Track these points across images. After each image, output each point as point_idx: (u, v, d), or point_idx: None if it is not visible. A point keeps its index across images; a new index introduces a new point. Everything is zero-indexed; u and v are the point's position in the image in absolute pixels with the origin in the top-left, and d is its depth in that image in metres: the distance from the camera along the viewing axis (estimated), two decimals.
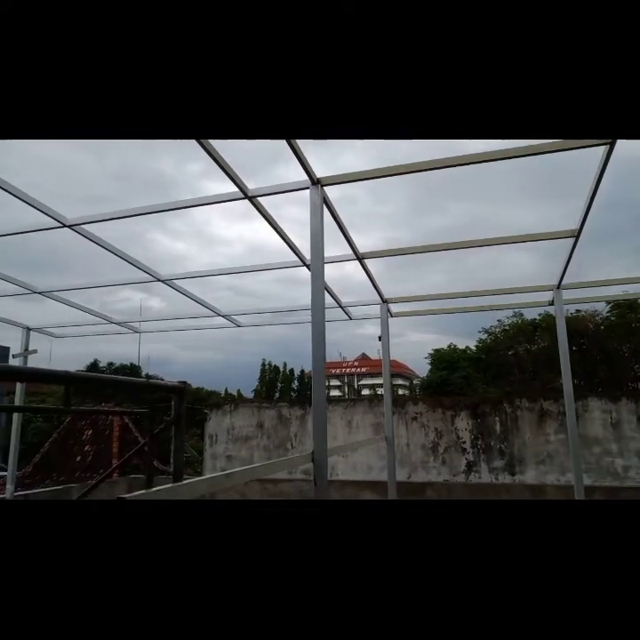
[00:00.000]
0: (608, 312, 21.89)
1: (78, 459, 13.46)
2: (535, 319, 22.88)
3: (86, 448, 13.73)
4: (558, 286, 4.75)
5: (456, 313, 6.15)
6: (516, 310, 22.58)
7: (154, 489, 1.60)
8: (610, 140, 2.53)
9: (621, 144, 2.56)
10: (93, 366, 26.26)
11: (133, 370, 25.99)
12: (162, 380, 10.79)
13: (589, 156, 2.77)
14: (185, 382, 2.89)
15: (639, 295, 10.04)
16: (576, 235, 3.71)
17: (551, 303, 5.04)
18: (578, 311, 21.70)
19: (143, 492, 1.61)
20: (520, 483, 8.52)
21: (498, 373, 23.51)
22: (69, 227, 3.74)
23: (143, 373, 23.86)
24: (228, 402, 12.01)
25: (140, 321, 7.15)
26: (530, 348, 23.38)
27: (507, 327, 24.04)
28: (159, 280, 4.90)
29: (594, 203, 3.19)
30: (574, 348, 19.58)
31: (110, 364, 27.55)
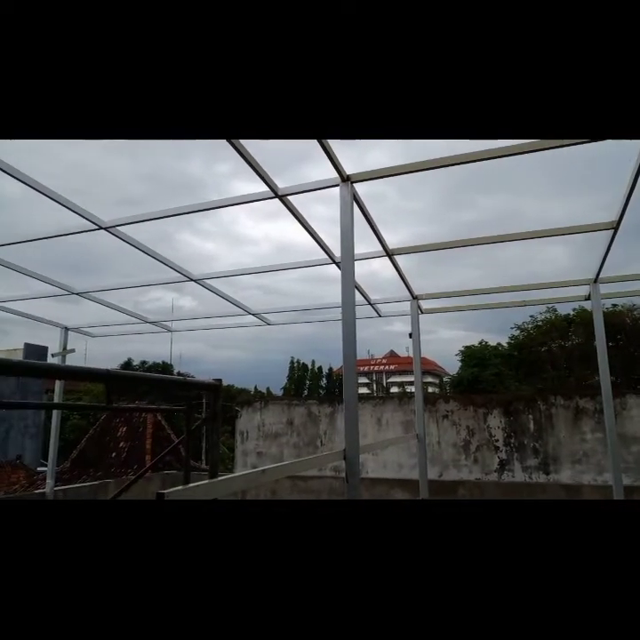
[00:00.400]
0: None
1: (113, 455, 13.82)
2: (569, 314, 22.32)
3: (121, 445, 14.08)
4: (595, 280, 4.61)
5: (488, 309, 6.04)
6: (550, 306, 22.08)
7: (192, 485, 1.63)
8: None
9: None
10: (127, 365, 26.91)
11: (165, 368, 26.51)
12: (192, 377, 10.97)
13: (629, 144, 2.68)
14: (220, 380, 2.94)
15: None
16: (614, 227, 3.59)
17: (587, 298, 4.89)
18: (614, 306, 21.06)
19: (181, 488, 1.64)
20: (555, 482, 8.32)
21: (530, 370, 23.03)
22: (105, 229, 3.84)
23: (175, 371, 24.30)
24: (257, 399, 12.12)
25: (172, 320, 7.29)
26: (564, 345, 22.83)
27: (540, 323, 23.52)
28: (192, 280, 4.98)
29: (634, 193, 3.08)
30: (611, 344, 19.01)
31: (143, 362, 28.19)
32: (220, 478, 1.74)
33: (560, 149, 2.74)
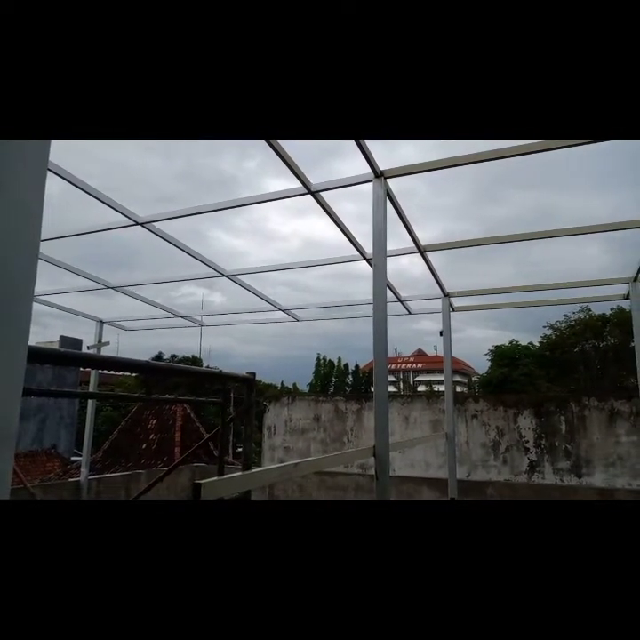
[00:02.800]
0: None
1: (144, 446, 14.13)
2: (604, 314, 21.70)
3: (151, 436, 14.39)
4: (635, 279, 4.47)
5: (521, 307, 5.93)
6: (583, 305, 21.51)
7: (227, 476, 1.66)
8: None
9: None
10: (158, 358, 27.44)
11: (195, 362, 26.94)
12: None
13: None
14: (254, 373, 2.98)
15: None
16: None
17: (626, 297, 4.75)
18: None
19: (216, 478, 1.67)
20: (587, 485, 8.12)
21: (562, 371, 22.51)
22: (141, 224, 3.93)
23: (205, 365, 24.65)
24: (285, 394, 12.21)
25: (202, 315, 7.41)
26: (598, 345, 22.21)
27: (573, 323, 22.94)
28: (224, 275, 5.04)
29: None
30: None
31: (173, 356, 28.70)
32: (253, 470, 1.76)
33: (599, 144, 2.66)
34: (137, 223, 3.92)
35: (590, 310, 22.30)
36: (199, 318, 7.25)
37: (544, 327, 24.21)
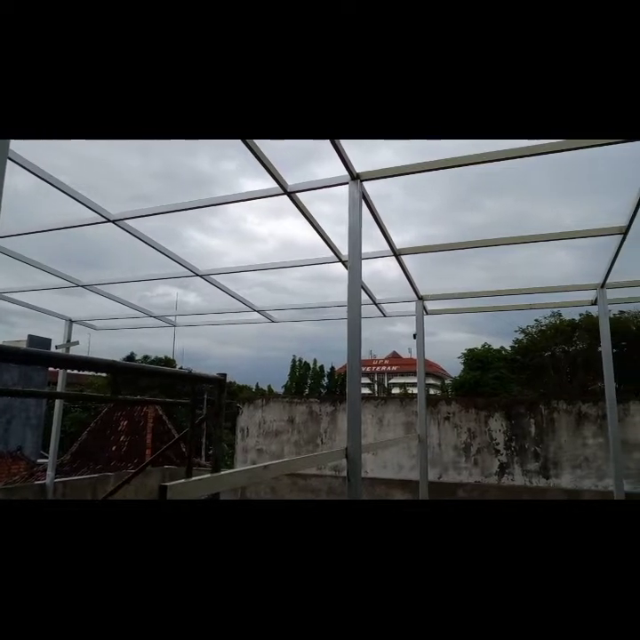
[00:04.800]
0: None
1: (114, 448, 13.85)
2: (574, 320, 22.25)
3: (121, 438, 14.11)
4: (602, 285, 4.59)
5: (493, 312, 6.03)
6: (555, 310, 22.00)
7: (194, 478, 1.63)
8: None
9: None
10: (129, 359, 26.94)
11: (168, 363, 26.55)
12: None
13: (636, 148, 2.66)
14: (225, 374, 2.94)
15: None
16: (624, 232, 3.57)
17: (594, 303, 4.87)
18: (622, 313, 20.99)
19: (184, 481, 1.64)
20: (555, 486, 8.30)
21: (533, 375, 22.98)
22: (113, 222, 3.84)
23: (178, 366, 24.33)
24: (259, 396, 12.13)
25: (176, 315, 7.30)
26: (567, 350, 22.76)
27: (544, 327, 23.46)
28: (198, 275, 4.98)
29: None
30: (615, 351, 18.94)
31: (146, 356, 28.22)
32: (222, 472, 1.73)
33: (570, 153, 2.72)
34: (108, 220, 3.84)
35: (560, 315, 22.84)
36: (172, 318, 7.15)
37: (516, 331, 24.69)
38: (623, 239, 3.70)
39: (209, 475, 1.65)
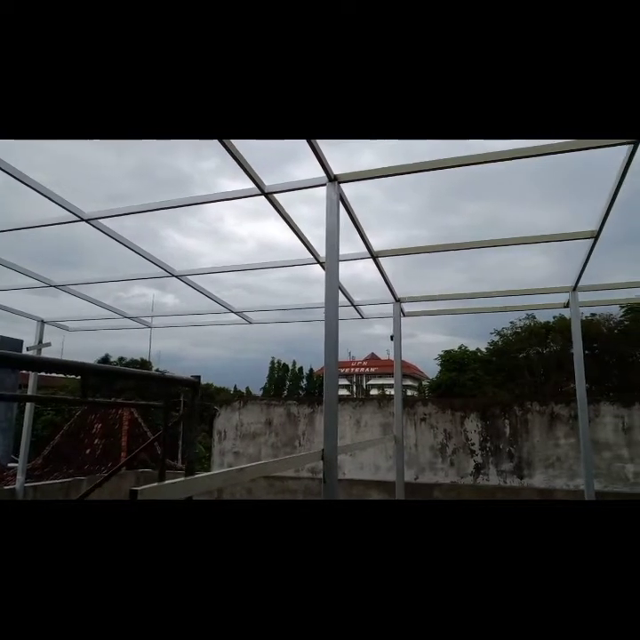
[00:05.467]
0: (622, 316, 21.67)
1: (87, 452, 13.57)
2: (548, 322, 22.71)
3: (96, 441, 13.83)
4: (574, 288, 4.69)
5: (469, 314, 6.11)
6: (529, 312, 22.44)
7: (167, 482, 1.61)
8: (634, 140, 2.49)
9: None
10: (104, 360, 26.49)
11: (144, 365, 26.17)
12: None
13: (612, 155, 2.73)
14: (199, 376, 2.91)
15: None
16: (595, 236, 3.66)
17: (566, 305, 4.98)
18: (593, 315, 21.51)
19: (156, 485, 1.61)
20: (528, 486, 8.45)
21: (508, 376, 23.36)
22: (87, 221, 3.77)
23: (154, 368, 24.01)
24: (237, 398, 12.05)
25: (153, 316, 7.20)
26: (541, 351, 23.22)
27: (519, 329, 23.89)
28: (174, 275, 4.92)
29: (614, 204, 3.15)
30: (587, 352, 19.40)
31: (121, 358, 27.78)
32: (196, 476, 1.71)
33: (546, 157, 2.77)
34: (82, 219, 3.76)
35: (535, 318, 23.29)
36: (149, 320, 7.04)
37: (491, 333, 25.08)
38: (594, 243, 3.79)
39: (182, 478, 1.63)
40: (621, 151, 2.68)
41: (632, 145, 2.53)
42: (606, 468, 8.11)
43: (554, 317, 22.15)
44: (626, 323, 21.63)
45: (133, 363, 27.06)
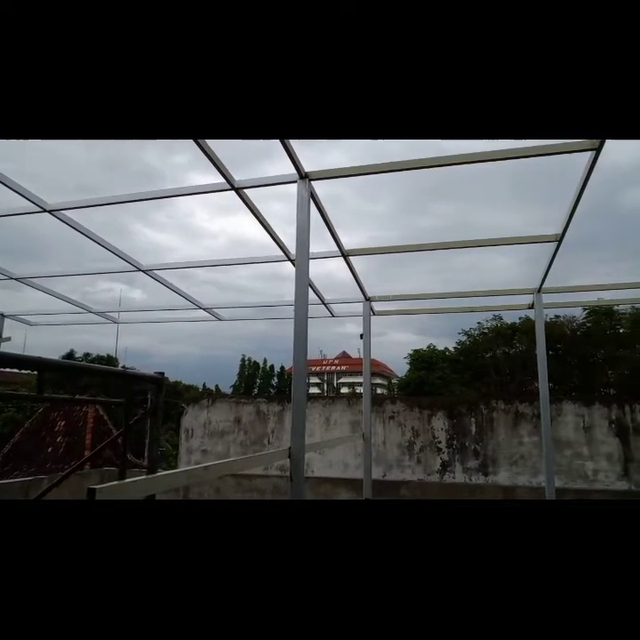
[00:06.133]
0: (584, 318, 22.39)
1: (50, 450, 13.19)
2: (514, 323, 23.27)
3: (59, 439, 13.46)
4: (539, 290, 4.81)
5: (437, 313, 6.19)
6: (496, 313, 22.95)
7: (128, 480, 1.57)
8: (596, 147, 2.56)
9: (608, 152, 2.59)
10: (69, 356, 25.79)
11: (110, 361, 25.59)
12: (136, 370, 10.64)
13: (576, 161, 2.80)
14: (162, 373, 2.85)
15: (615, 302, 10.26)
16: (558, 240, 3.76)
17: (531, 307, 5.10)
18: (557, 317, 22.15)
19: (116, 483, 1.57)
20: (493, 483, 8.63)
21: (475, 375, 23.83)
22: (50, 212, 3.65)
23: (120, 365, 23.52)
24: (205, 396, 11.91)
25: (120, 311, 7.03)
26: (508, 351, 23.77)
27: (486, 330, 24.40)
28: (140, 270, 4.81)
29: (577, 209, 3.24)
30: (551, 353, 19.98)
31: (86, 354, 27.10)
32: (158, 474, 1.68)
33: (518, 161, 2.83)
34: (45, 210, 3.64)
35: (502, 318, 23.82)
36: (115, 315, 6.88)
37: (459, 333, 25.53)
38: (558, 247, 3.89)
39: (143, 477, 1.59)
40: (584, 157, 2.75)
41: (594, 151, 2.61)
42: (567, 466, 8.36)
43: (520, 318, 22.71)
44: (588, 324, 22.34)
45: (99, 359, 26.45)
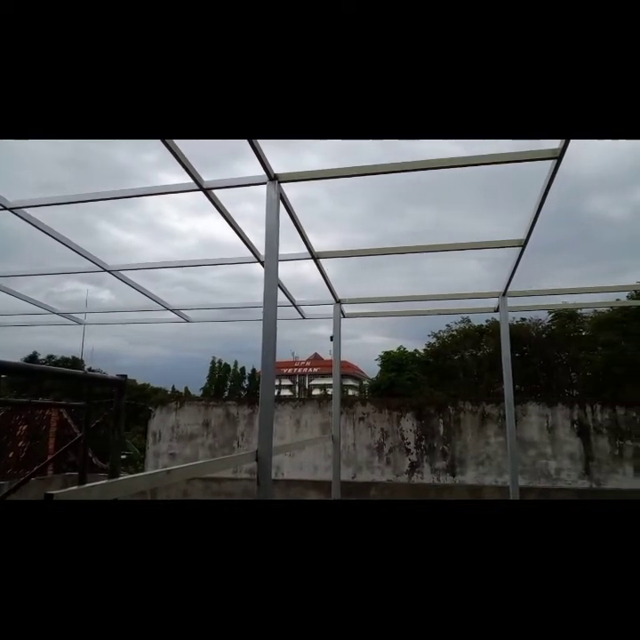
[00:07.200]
0: (549, 322, 23.05)
1: (11, 455, 12.74)
2: (482, 325, 23.77)
3: (20, 444, 13.01)
4: (504, 294, 4.92)
5: (407, 316, 6.26)
6: (464, 316, 23.40)
7: (87, 485, 1.53)
8: (557, 155, 2.64)
9: (572, 161, 2.68)
10: (32, 358, 25.03)
11: (75, 364, 24.95)
12: (103, 373, 10.39)
13: (540, 169, 2.89)
14: (125, 376, 2.79)
15: (579, 306, 10.57)
16: (522, 245, 3.85)
17: (496, 310, 5.21)
18: (523, 320, 22.73)
19: (75, 488, 1.53)
20: (460, 483, 8.78)
21: (444, 377, 24.22)
22: (10, 210, 3.53)
23: (86, 367, 22.94)
24: (173, 399, 11.73)
25: (86, 312, 6.86)
26: (475, 353, 24.27)
27: (454, 332, 24.85)
28: (106, 270, 4.71)
29: (542, 216, 3.33)
30: (517, 355, 20.48)
31: (50, 356, 26.35)
32: (119, 478, 1.64)
33: (488, 167, 2.89)
34: (5, 208, 3.52)
35: (470, 321, 24.30)
36: (81, 316, 6.70)
37: (429, 336, 25.91)
38: (522, 251, 3.99)
39: (103, 481, 1.55)
40: (547, 165, 2.84)
41: (556, 160, 2.69)
42: (531, 465, 8.57)
43: (487, 321, 23.22)
44: (553, 327, 23.00)
45: (64, 361, 25.75)
